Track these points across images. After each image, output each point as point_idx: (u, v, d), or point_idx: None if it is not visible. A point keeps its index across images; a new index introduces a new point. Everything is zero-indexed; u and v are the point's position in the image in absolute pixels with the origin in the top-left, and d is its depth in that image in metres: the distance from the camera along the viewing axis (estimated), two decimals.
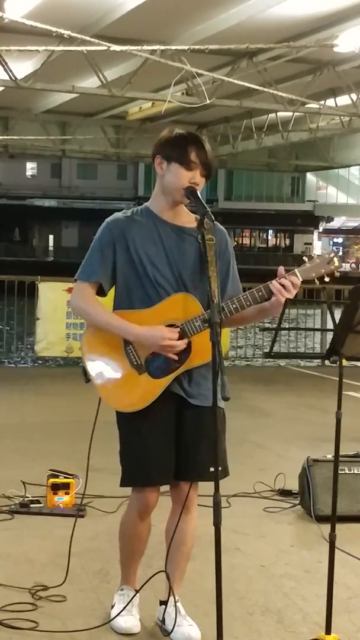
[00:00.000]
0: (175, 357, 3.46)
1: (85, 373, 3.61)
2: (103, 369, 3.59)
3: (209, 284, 3.27)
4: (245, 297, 3.48)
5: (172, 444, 3.58)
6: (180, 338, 3.47)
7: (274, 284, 3.44)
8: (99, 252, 3.59)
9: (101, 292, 3.62)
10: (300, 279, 3.46)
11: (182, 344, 3.45)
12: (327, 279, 3.48)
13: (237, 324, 3.76)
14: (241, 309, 3.48)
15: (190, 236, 3.58)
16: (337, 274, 3.50)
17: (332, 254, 3.50)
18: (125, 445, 3.63)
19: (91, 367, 3.60)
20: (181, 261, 3.55)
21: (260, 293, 3.47)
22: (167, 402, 3.54)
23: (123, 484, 3.68)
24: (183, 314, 3.49)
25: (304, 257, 3.51)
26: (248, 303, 3.47)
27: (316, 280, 3.48)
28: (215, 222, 3.50)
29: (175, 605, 3.66)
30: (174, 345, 3.44)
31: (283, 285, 3.44)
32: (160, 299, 3.52)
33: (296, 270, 3.48)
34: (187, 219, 3.64)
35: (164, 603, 3.75)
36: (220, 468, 3.44)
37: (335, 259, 3.49)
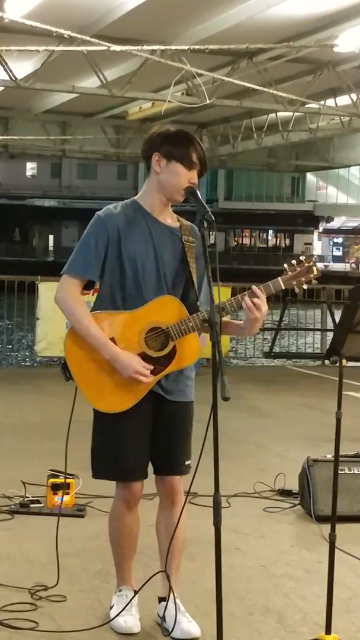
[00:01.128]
0: (145, 379, 3.48)
1: (65, 371, 3.56)
2: (87, 368, 3.55)
3: (209, 285, 3.27)
4: (230, 302, 3.49)
5: (148, 440, 3.61)
6: (165, 341, 3.49)
7: (246, 301, 3.47)
8: (94, 248, 3.54)
9: (88, 287, 3.60)
10: (274, 291, 3.52)
11: (150, 380, 3.48)
12: (305, 287, 3.55)
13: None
14: (225, 314, 3.49)
15: (175, 236, 3.60)
16: (315, 282, 3.59)
17: (312, 263, 3.57)
18: (101, 439, 3.63)
19: (74, 366, 3.55)
20: (167, 261, 3.57)
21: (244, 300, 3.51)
22: (145, 400, 3.55)
23: (96, 475, 3.70)
24: (168, 317, 3.50)
25: (285, 265, 3.57)
26: (233, 309, 3.50)
27: (296, 288, 3.55)
28: (193, 225, 3.54)
29: (175, 603, 3.67)
30: (143, 378, 3.46)
31: (254, 304, 3.47)
32: (142, 298, 3.51)
33: (279, 278, 3.53)
34: (172, 218, 3.66)
35: (163, 599, 3.76)
36: (188, 462, 3.64)
37: (314, 268, 3.56)
